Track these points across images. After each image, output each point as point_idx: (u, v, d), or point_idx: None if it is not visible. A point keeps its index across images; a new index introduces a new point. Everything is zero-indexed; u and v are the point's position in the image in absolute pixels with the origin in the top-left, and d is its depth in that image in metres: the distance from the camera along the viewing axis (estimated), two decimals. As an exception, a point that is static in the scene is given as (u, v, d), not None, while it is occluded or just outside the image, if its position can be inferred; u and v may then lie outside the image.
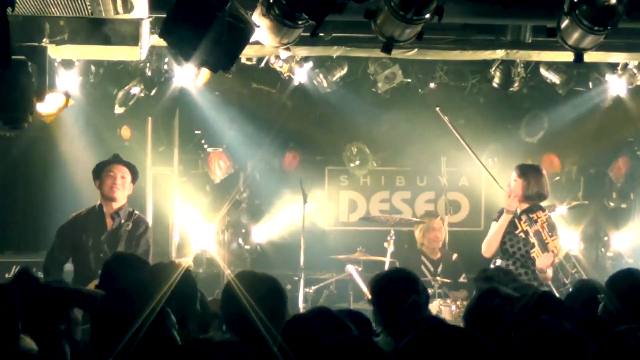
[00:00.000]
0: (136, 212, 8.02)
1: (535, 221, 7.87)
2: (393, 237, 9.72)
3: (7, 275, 8.14)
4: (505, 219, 7.97)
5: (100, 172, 7.96)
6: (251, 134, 10.79)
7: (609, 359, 2.98)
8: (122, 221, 7.90)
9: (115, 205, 7.92)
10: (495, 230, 8.04)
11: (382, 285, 5.01)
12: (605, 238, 11.29)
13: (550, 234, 7.89)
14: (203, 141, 10.88)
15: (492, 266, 7.97)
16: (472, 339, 2.74)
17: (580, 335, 3.13)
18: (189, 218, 10.58)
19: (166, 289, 4.17)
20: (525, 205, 8.02)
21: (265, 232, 11.17)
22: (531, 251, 7.86)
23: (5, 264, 8.77)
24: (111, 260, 5.69)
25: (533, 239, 7.85)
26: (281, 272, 9.45)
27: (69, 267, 7.85)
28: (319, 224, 11.29)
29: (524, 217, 7.93)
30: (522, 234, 7.88)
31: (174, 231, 10.45)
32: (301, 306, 9.47)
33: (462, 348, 2.71)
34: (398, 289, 4.92)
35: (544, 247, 7.81)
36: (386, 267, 9.38)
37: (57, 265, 7.80)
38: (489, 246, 8.11)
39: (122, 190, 7.92)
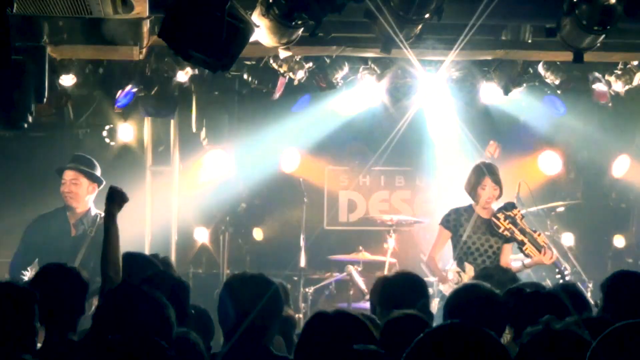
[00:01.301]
0: (101, 215, 7.76)
1: (515, 218, 7.89)
2: (393, 237, 9.73)
3: (6, 276, 8.11)
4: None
5: (59, 176, 7.83)
6: (251, 133, 10.79)
7: (609, 356, 2.96)
8: (86, 227, 7.75)
9: (78, 210, 7.78)
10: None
11: (390, 289, 5.01)
12: (605, 238, 11.29)
13: (533, 229, 7.94)
14: (202, 141, 10.88)
15: (453, 267, 7.98)
16: (487, 336, 2.71)
17: (584, 337, 3.11)
18: (189, 217, 10.58)
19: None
20: (498, 204, 8.03)
21: (265, 232, 11.17)
22: (523, 248, 7.87)
23: (6, 264, 8.75)
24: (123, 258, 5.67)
25: (521, 237, 7.85)
26: (281, 272, 9.46)
27: None
28: (318, 223, 11.29)
29: (501, 216, 7.91)
30: (506, 233, 7.86)
31: (174, 231, 10.45)
32: (301, 306, 9.47)
33: (476, 345, 2.68)
34: (408, 293, 4.93)
35: (537, 243, 7.84)
36: (386, 267, 9.40)
37: (23, 267, 7.65)
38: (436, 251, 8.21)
39: (75, 198, 7.73)
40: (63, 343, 4.45)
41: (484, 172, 8.07)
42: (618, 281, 4.88)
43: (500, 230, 7.87)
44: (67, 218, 7.79)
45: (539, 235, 7.94)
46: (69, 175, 7.78)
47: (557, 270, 8.22)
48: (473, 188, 8.09)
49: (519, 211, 7.99)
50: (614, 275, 4.97)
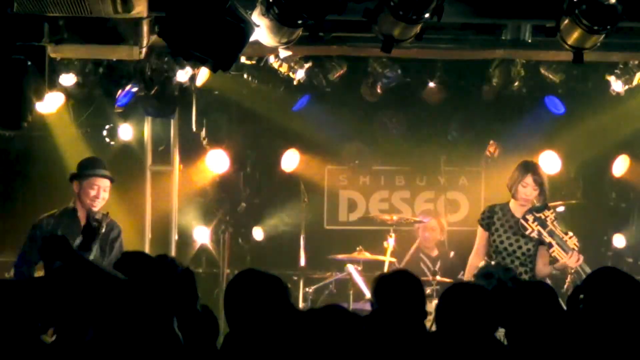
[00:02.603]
0: (108, 215, 7.81)
1: (545, 220, 7.82)
2: (393, 236, 9.73)
3: (6, 275, 8.12)
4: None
5: (84, 178, 7.84)
6: (251, 133, 10.78)
7: None
8: (95, 225, 7.84)
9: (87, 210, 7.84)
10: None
11: (389, 289, 5.04)
12: (605, 238, 11.28)
13: (564, 231, 7.85)
14: (203, 140, 10.89)
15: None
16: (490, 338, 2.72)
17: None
18: (189, 217, 10.59)
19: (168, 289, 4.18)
20: (528, 205, 7.99)
21: (265, 231, 11.17)
22: (550, 251, 7.80)
23: (6, 264, 8.76)
24: (121, 258, 5.65)
25: (549, 239, 7.75)
26: (281, 271, 9.42)
27: None
28: (318, 223, 11.29)
29: (530, 217, 7.84)
30: (534, 235, 7.79)
31: (174, 231, 10.45)
32: (301, 306, 9.48)
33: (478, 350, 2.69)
34: (403, 291, 4.96)
35: (565, 246, 7.75)
36: (386, 266, 9.40)
37: (30, 267, 7.52)
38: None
39: (101, 204, 7.83)
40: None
41: (528, 170, 8.04)
42: (599, 278, 4.87)
43: (528, 232, 7.81)
44: (77, 215, 7.87)
45: (570, 237, 7.83)
46: (105, 182, 7.88)
47: (583, 274, 8.15)
48: (514, 184, 8.03)
49: (551, 213, 7.86)
50: (595, 272, 4.94)
